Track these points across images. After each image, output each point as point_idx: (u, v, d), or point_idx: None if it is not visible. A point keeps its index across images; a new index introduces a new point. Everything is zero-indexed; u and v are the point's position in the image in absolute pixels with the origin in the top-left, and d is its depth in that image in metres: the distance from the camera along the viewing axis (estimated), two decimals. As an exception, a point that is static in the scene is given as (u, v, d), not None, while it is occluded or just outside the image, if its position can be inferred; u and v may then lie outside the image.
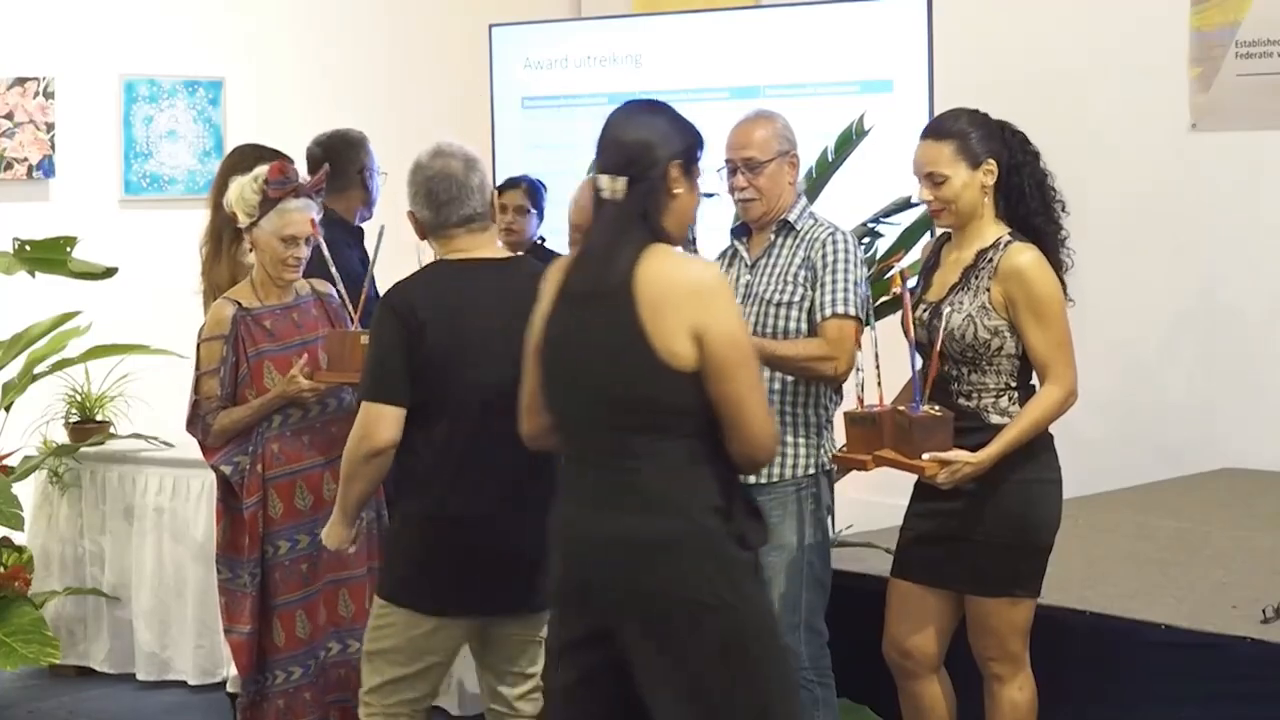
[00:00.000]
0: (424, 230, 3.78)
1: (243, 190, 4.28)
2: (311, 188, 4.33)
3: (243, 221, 4.30)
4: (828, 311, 3.99)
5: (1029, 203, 3.78)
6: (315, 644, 4.30)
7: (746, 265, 4.17)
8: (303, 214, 4.27)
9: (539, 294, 3.42)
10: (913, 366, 3.76)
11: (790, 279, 4.07)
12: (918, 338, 3.80)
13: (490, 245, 3.79)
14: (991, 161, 3.75)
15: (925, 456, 3.63)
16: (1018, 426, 3.66)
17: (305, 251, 4.29)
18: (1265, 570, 4.63)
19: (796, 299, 4.06)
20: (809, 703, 4.14)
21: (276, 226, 4.25)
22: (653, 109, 3.28)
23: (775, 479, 4.10)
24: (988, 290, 3.71)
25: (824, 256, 4.04)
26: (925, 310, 3.80)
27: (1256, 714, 3.95)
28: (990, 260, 3.73)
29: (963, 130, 3.77)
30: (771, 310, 4.07)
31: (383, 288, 3.95)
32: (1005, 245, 3.73)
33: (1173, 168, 6.49)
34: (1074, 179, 6.38)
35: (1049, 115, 6.35)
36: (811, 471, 4.08)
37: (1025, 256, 3.70)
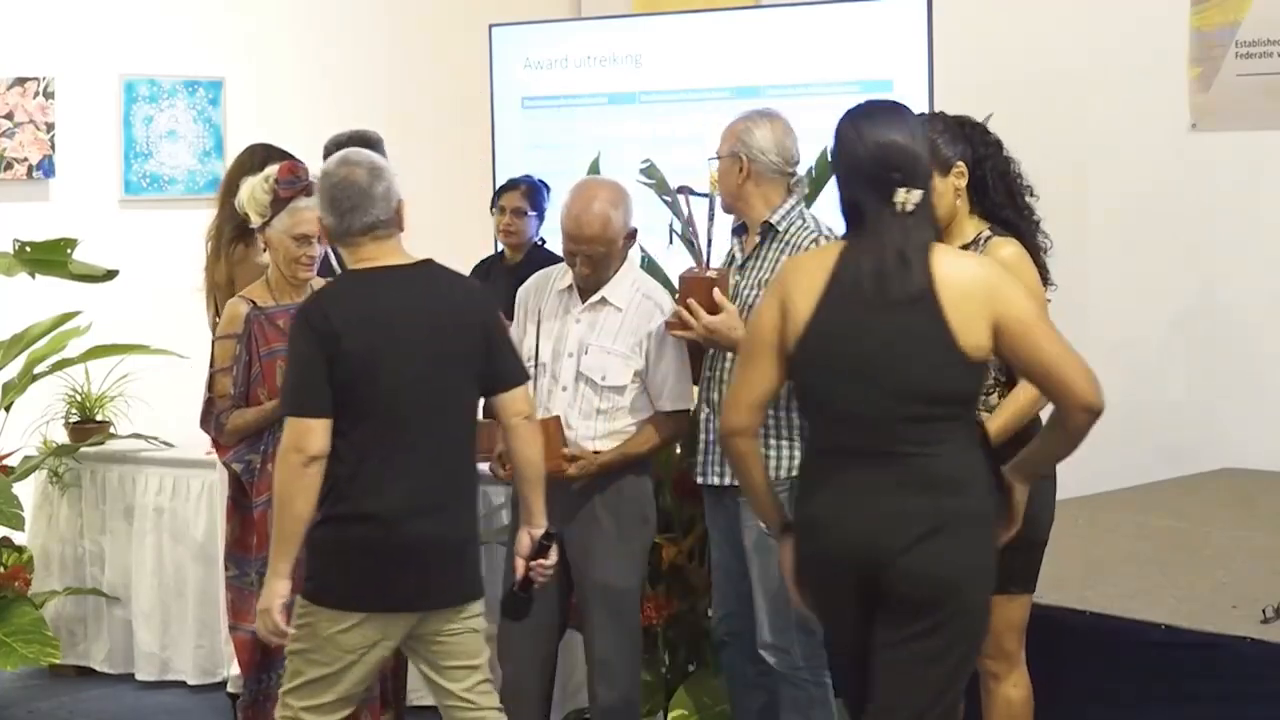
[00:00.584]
0: (330, 237, 3.82)
1: (254, 190, 4.30)
2: None
3: (255, 221, 4.31)
4: None
5: (993, 195, 3.79)
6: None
7: (737, 266, 4.19)
8: (314, 212, 4.25)
9: (462, 295, 3.78)
10: None
11: None
12: None
13: (396, 253, 3.78)
14: (960, 164, 3.75)
15: None
16: (994, 423, 3.65)
17: (319, 250, 4.31)
18: (1265, 570, 4.63)
19: None
20: (804, 701, 4.16)
21: (288, 225, 4.27)
22: (910, 114, 3.40)
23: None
24: None
25: None
26: None
27: (1256, 714, 3.94)
28: None
29: (928, 139, 3.75)
30: None
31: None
32: (986, 240, 3.74)
33: (1173, 168, 6.49)
34: (1074, 179, 6.42)
35: (1049, 115, 6.37)
36: (792, 473, 4.09)
37: (1005, 251, 3.70)
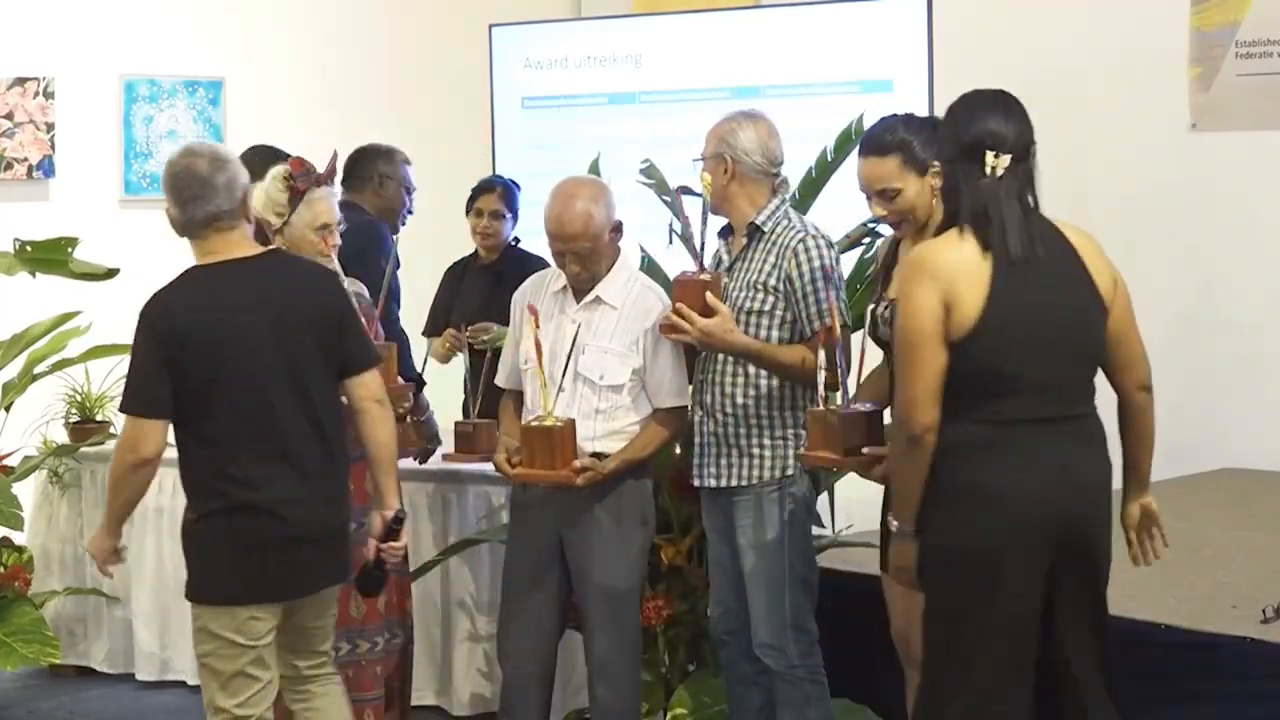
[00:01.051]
0: (176, 230, 3.88)
1: (268, 192, 4.29)
2: (327, 175, 4.36)
3: (275, 223, 4.29)
4: (816, 325, 4.05)
5: None
6: (327, 643, 4.30)
7: (725, 269, 4.20)
8: (328, 201, 4.34)
9: (309, 282, 3.86)
10: (840, 363, 3.79)
11: (761, 286, 4.10)
12: (879, 334, 3.81)
13: (242, 244, 3.82)
14: (936, 163, 3.73)
15: (865, 452, 3.64)
16: None
17: (338, 238, 4.31)
18: (1265, 570, 4.64)
19: (768, 308, 4.09)
20: (800, 699, 4.17)
21: (309, 219, 4.27)
22: (1000, 98, 3.51)
23: (753, 481, 4.13)
24: None
25: (798, 267, 4.08)
26: (886, 307, 3.79)
27: (1256, 714, 3.95)
28: None
29: (904, 140, 3.77)
30: (743, 318, 4.09)
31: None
32: None
33: (1173, 168, 6.49)
34: (1074, 179, 6.41)
35: (1049, 115, 6.35)
36: (786, 473, 4.11)
37: None
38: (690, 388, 4.30)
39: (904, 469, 3.43)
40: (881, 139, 3.82)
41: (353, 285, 4.44)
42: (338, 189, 4.44)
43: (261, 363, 3.73)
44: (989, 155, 3.34)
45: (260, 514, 3.73)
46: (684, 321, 4.04)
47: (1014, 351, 3.33)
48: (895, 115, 3.91)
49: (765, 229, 4.15)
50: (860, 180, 3.85)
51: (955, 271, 3.33)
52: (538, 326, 4.21)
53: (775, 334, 4.08)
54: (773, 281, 4.09)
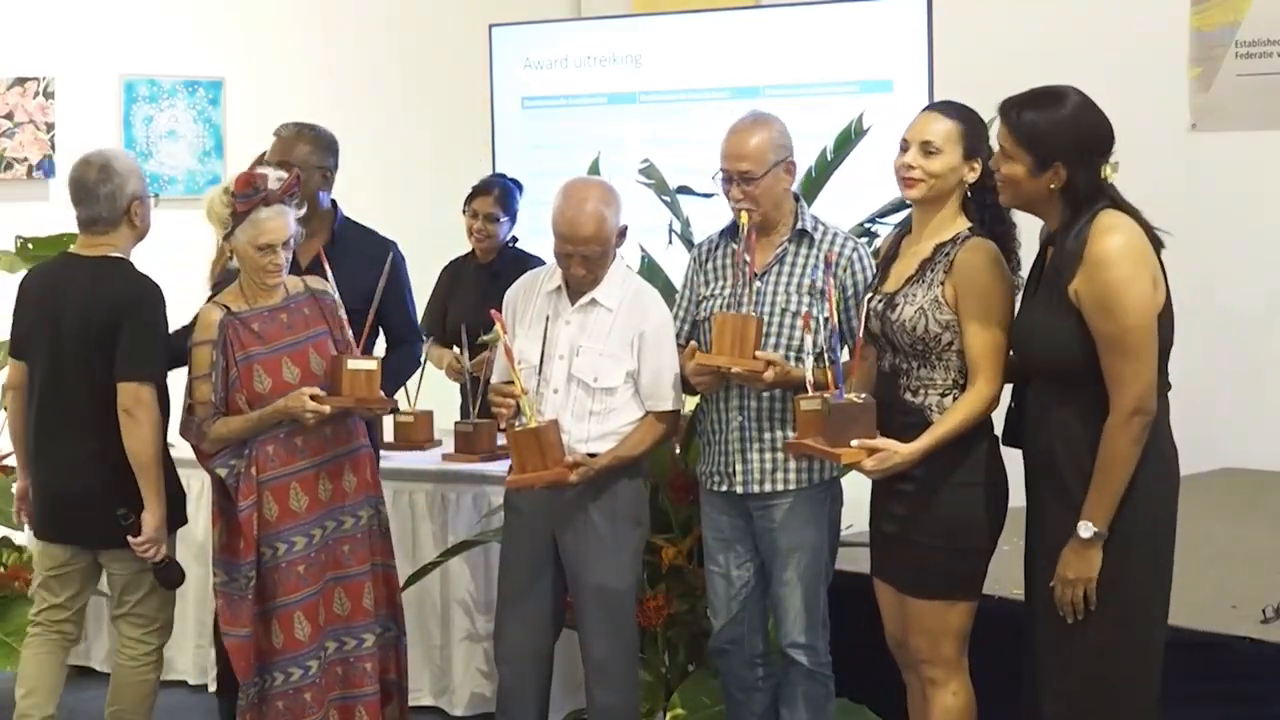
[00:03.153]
0: None
1: (213, 203, 4.30)
2: (282, 193, 4.27)
3: (219, 232, 4.31)
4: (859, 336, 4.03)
5: (995, 205, 3.79)
6: (315, 644, 4.30)
7: (759, 273, 4.14)
8: (276, 221, 4.24)
9: (112, 288, 4.30)
10: (834, 354, 3.80)
11: (815, 291, 4.07)
12: (870, 328, 3.81)
13: (101, 246, 4.38)
14: (978, 162, 3.76)
15: (854, 444, 3.63)
16: (947, 423, 3.66)
17: (284, 257, 4.27)
18: (1265, 570, 4.63)
19: (808, 310, 4.06)
20: (823, 697, 4.25)
21: (251, 237, 4.23)
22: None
23: (800, 485, 4.12)
24: (941, 284, 3.70)
25: (852, 275, 4.08)
26: (880, 301, 3.79)
27: (1256, 714, 3.95)
28: (947, 254, 3.73)
29: (971, 118, 3.80)
30: (788, 319, 4.07)
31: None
32: (963, 240, 3.74)
33: (1173, 168, 6.49)
34: (1074, 179, 6.40)
35: (1049, 115, 6.35)
36: (834, 474, 4.12)
37: (982, 253, 3.71)
38: (726, 392, 4.19)
39: (1129, 460, 3.56)
40: (957, 106, 3.82)
41: (317, 284, 4.42)
42: (292, 208, 4.31)
43: (43, 344, 4.36)
44: (1108, 167, 3.66)
45: (38, 469, 4.46)
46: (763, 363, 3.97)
47: (1171, 322, 3.59)
48: (955, 104, 3.91)
49: (814, 234, 4.13)
50: (910, 130, 3.78)
51: (1151, 251, 3.57)
52: (505, 332, 4.19)
53: (807, 336, 4.05)
54: (822, 285, 4.05)
